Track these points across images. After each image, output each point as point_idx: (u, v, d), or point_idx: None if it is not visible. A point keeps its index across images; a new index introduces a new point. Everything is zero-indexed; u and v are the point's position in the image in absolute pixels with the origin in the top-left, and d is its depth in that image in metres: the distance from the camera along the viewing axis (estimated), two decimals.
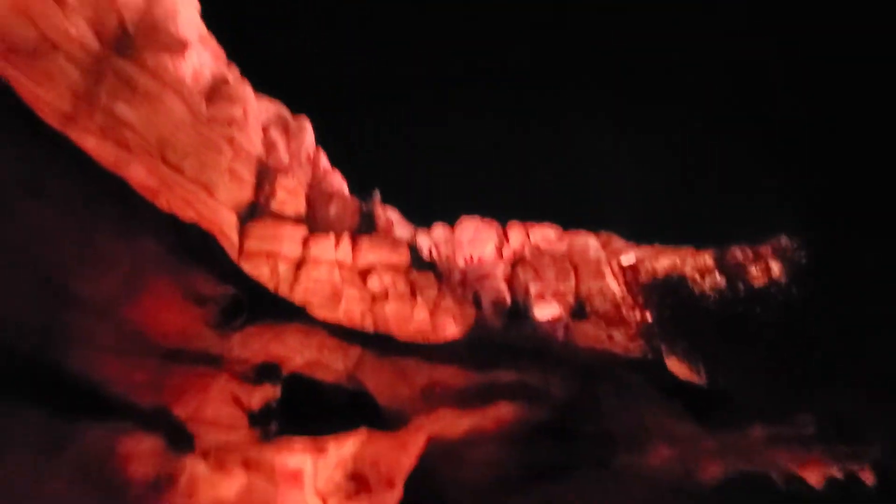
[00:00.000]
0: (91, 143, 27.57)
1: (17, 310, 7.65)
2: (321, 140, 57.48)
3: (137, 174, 29.83)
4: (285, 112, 55.46)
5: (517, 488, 13.78)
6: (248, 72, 50.27)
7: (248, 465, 10.13)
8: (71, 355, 8.09)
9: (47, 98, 27.31)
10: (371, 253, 43.26)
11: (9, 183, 7.57)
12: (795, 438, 13.68)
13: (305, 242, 40.35)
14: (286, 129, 53.27)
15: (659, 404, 14.58)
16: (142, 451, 8.22)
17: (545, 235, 70.27)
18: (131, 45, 34.46)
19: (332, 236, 41.56)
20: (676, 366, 20.33)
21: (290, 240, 39.67)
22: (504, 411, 14.16)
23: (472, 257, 72.15)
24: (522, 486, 13.80)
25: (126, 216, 9.15)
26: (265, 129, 49.83)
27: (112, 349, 8.49)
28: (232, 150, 39.46)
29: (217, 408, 9.78)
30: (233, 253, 36.05)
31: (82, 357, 8.13)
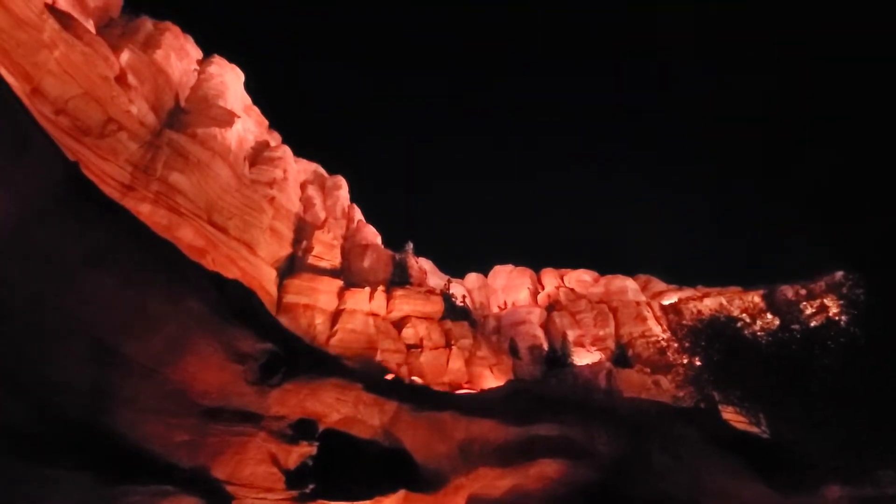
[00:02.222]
0: (146, 209, 29.76)
1: (70, 374, 8.05)
2: (355, 196, 59.98)
3: (186, 235, 31.75)
4: (322, 171, 58.47)
5: None
6: (288, 137, 53.91)
7: None
8: (116, 417, 8.34)
9: (110, 171, 29.96)
10: (405, 303, 43.48)
11: (72, 255, 8.18)
12: (879, 500, 12.13)
13: (341, 295, 41.12)
14: (323, 187, 55.89)
15: (718, 461, 13.37)
16: None
17: (580, 279, 68.77)
18: (185, 119, 37.75)
19: (366, 288, 42.20)
20: (732, 416, 18.80)
21: (326, 292, 40.54)
22: (547, 470, 13.35)
23: (505, 303, 71.12)
24: None
25: (174, 279, 9.64)
26: (303, 187, 52.45)
27: (154, 409, 8.71)
28: (273, 208, 41.60)
29: (254, 468, 9.72)
30: (272, 307, 37.08)
31: (127, 419, 8.36)
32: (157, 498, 7.78)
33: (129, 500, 7.36)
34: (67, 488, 6.91)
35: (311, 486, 10.24)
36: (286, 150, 49.68)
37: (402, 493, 11.64)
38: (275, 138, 52.19)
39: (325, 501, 10.31)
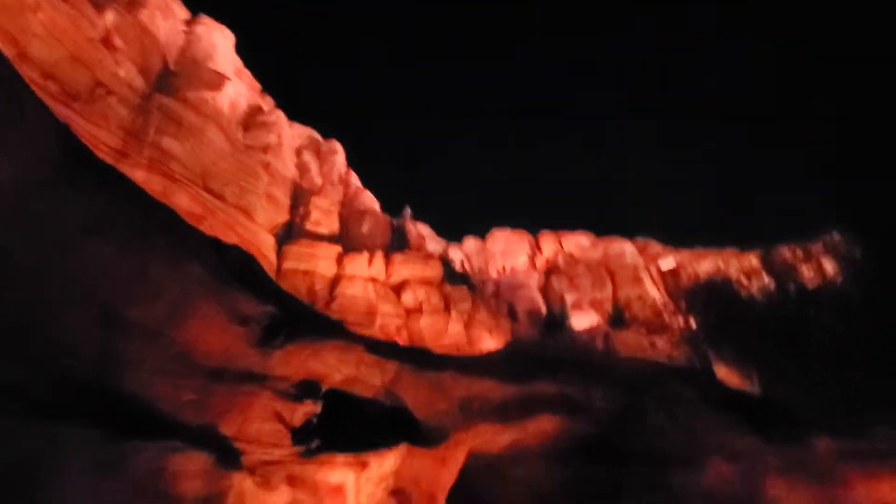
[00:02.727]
0: (140, 176, 29.32)
1: (77, 340, 8.13)
2: (351, 161, 59.06)
3: (182, 202, 31.41)
4: (317, 136, 57.35)
5: None
6: (281, 100, 52.52)
7: (292, 480, 10.27)
8: (124, 379, 8.50)
9: (102, 137, 29.32)
10: (404, 268, 43.64)
11: (71, 222, 8.12)
12: (870, 453, 12.54)
13: (340, 260, 41.21)
14: (318, 152, 54.99)
15: (713, 418, 13.80)
16: (191, 469, 8.48)
17: (578, 243, 68.86)
18: (174, 82, 36.65)
19: (365, 254, 42.25)
20: (726, 374, 19.28)
21: (325, 258, 40.60)
22: (545, 425, 13.79)
23: (504, 268, 71.55)
24: None
25: (174, 244, 9.62)
26: (298, 153, 51.60)
27: (160, 371, 8.87)
28: (268, 175, 41.04)
29: (260, 425, 10.00)
30: (271, 273, 37.20)
31: (134, 380, 8.52)
32: (166, 453, 8.03)
33: (139, 455, 7.60)
34: (76, 446, 7.11)
35: (316, 442, 10.57)
36: (280, 115, 48.56)
37: (403, 446, 12.04)
38: (267, 102, 50.89)
39: (330, 454, 10.66)
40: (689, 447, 13.29)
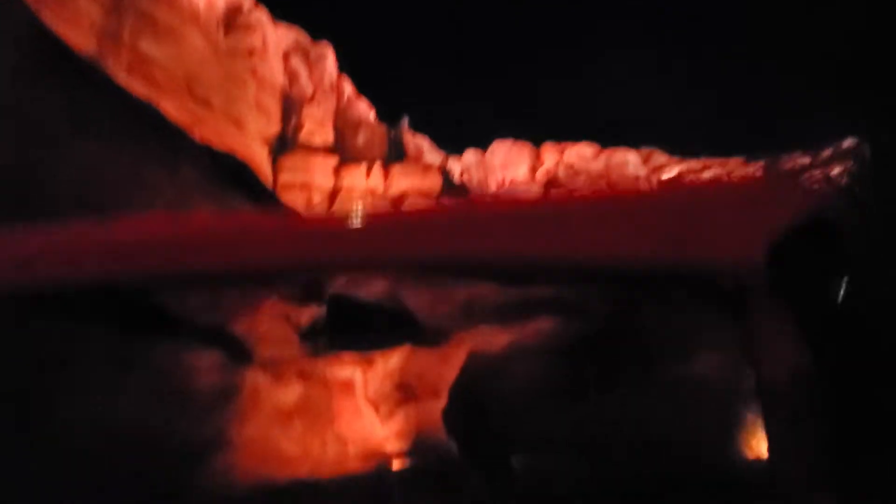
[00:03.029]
0: (121, 82, 27.64)
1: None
2: (344, 66, 55.34)
3: (169, 110, 29.90)
4: (304, 39, 53.09)
5: (558, 401, 14.38)
6: None
7: (303, 376, 10.95)
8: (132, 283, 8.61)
9: (75, 38, 27.15)
10: (403, 180, 42.96)
11: (58, 122, 7.72)
12: None
13: (337, 172, 40.46)
14: (307, 57, 51.36)
15: (704, 313, 14.39)
16: (205, 365, 8.97)
17: (581, 154, 67.28)
18: None
19: (363, 165, 41.35)
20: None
21: (321, 171, 39.75)
22: (543, 326, 14.42)
23: (504, 181, 70.54)
24: (563, 399, 14.37)
25: (167, 147, 9.29)
26: (285, 59, 48.20)
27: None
28: (255, 81, 38.65)
29: (270, 325, 10.41)
30: (267, 185, 36.63)
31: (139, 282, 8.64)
32: (180, 352, 8.41)
33: (154, 352, 7.95)
34: (93, 343, 7.39)
35: (322, 341, 11.09)
36: (262, 14, 44.61)
37: (406, 346, 12.70)
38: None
39: (338, 353, 11.26)
40: (682, 341, 14.02)
